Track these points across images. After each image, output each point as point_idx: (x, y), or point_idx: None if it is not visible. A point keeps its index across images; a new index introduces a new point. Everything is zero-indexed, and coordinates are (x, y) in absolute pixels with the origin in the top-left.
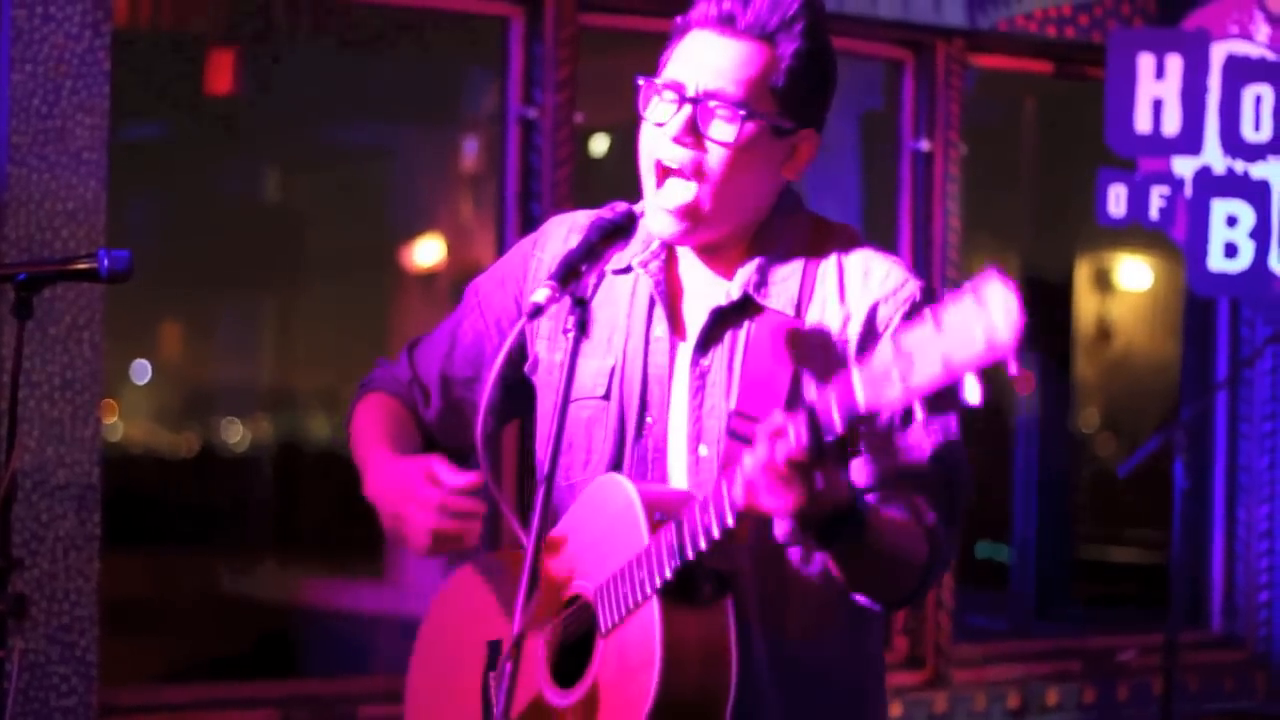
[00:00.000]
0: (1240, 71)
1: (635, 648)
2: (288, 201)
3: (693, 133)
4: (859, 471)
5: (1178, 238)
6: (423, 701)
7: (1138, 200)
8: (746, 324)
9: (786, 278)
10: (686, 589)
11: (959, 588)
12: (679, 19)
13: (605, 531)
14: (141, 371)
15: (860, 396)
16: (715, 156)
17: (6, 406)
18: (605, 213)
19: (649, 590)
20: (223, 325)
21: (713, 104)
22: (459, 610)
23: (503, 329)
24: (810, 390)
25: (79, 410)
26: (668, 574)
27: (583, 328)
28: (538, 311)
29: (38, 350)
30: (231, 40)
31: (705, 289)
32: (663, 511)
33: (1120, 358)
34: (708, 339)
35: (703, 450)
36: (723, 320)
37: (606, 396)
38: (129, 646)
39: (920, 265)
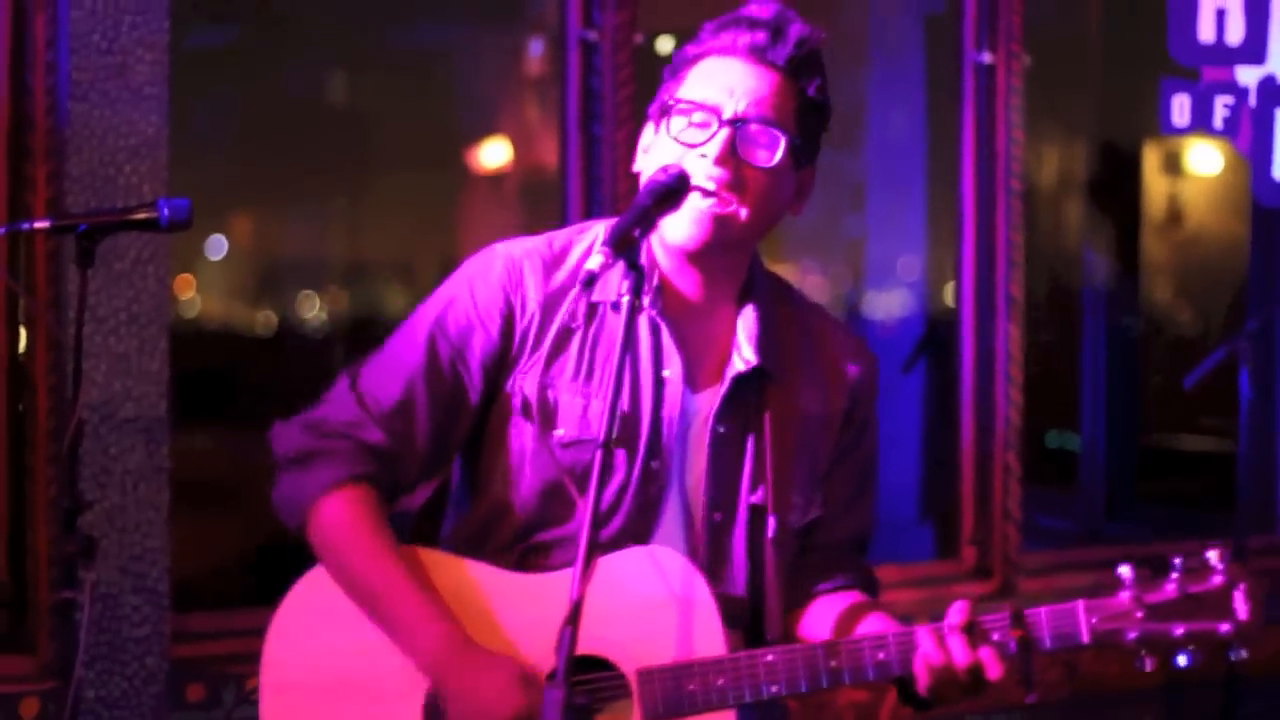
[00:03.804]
0: None
1: None
2: (354, 103)
3: (733, 155)
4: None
5: (1242, 148)
6: None
7: (1201, 110)
8: (756, 392)
9: (779, 341)
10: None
11: (1027, 482)
12: (690, 48)
13: (662, 614)
14: (217, 247)
15: (1083, 634)
16: (753, 177)
17: (72, 348)
18: (658, 175)
19: (729, 703)
20: (293, 223)
21: (753, 127)
22: (322, 637)
23: (489, 370)
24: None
25: (145, 343)
26: (759, 698)
27: (637, 292)
28: (592, 279)
29: (103, 285)
30: None
31: (707, 332)
32: (731, 617)
33: (1190, 239)
34: (726, 407)
35: (717, 516)
36: (740, 387)
37: (617, 440)
38: (201, 527)
39: (983, 178)
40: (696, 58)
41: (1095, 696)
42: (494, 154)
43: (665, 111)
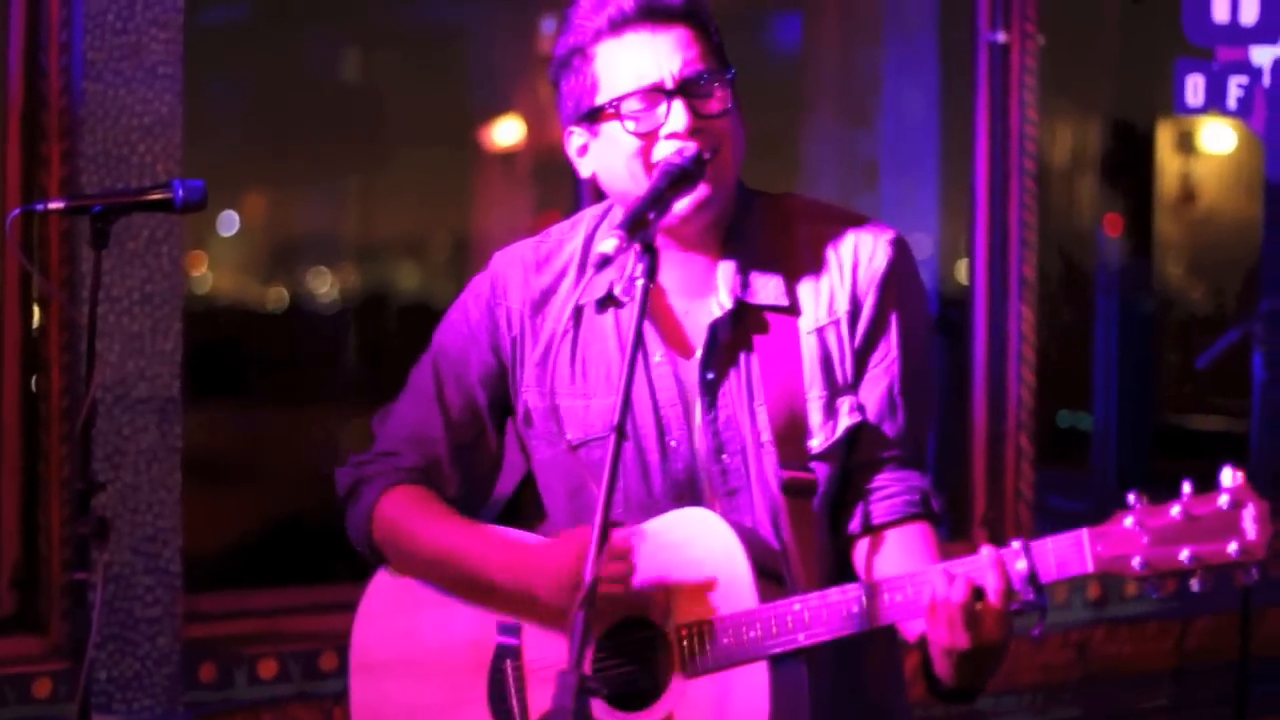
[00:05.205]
0: None
1: (735, 700)
2: (367, 81)
3: (696, 117)
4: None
5: (1256, 127)
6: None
7: (1216, 90)
8: (745, 327)
9: (767, 268)
10: (785, 655)
11: (1039, 462)
12: (571, 39)
13: (696, 572)
14: (229, 223)
15: (1089, 564)
16: (718, 124)
17: (86, 328)
18: (674, 157)
19: (760, 653)
20: (305, 199)
21: (697, 85)
22: (401, 619)
23: (490, 386)
24: (841, 406)
25: (159, 323)
26: (790, 648)
27: (651, 275)
28: (606, 261)
29: (116, 265)
30: None
31: (690, 296)
32: (767, 570)
33: (1204, 217)
34: (710, 353)
35: (725, 459)
36: (721, 331)
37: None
38: (213, 504)
39: (996, 158)
40: (589, 48)
41: (1106, 679)
42: (507, 132)
43: (599, 117)
